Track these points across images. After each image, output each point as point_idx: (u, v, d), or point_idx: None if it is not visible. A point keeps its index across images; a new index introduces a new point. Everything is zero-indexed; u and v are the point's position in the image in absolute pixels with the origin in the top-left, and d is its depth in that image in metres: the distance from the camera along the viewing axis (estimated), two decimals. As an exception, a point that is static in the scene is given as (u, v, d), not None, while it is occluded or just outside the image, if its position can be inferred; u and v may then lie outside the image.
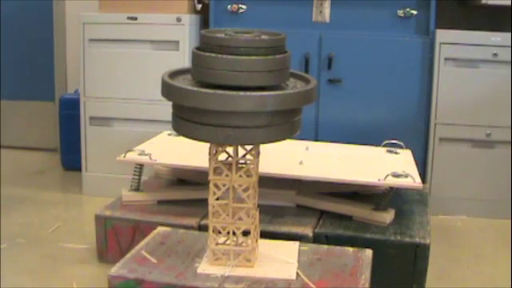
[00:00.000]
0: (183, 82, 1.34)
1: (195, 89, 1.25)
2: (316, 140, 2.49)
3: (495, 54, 2.42)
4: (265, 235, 1.61)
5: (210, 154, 1.38)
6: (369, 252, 1.58)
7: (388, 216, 1.85)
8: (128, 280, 1.39)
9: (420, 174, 1.92)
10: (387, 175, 1.83)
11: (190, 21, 2.53)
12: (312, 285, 1.37)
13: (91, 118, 2.65)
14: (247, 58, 1.26)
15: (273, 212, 1.91)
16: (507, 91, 2.44)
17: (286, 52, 1.34)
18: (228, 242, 1.43)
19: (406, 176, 1.84)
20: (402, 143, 2.21)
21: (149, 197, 2.01)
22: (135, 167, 2.02)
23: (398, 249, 1.74)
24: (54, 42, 3.28)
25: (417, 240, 1.74)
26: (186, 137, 1.33)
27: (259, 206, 1.45)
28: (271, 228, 1.80)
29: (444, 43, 2.45)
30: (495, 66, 2.44)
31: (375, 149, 2.23)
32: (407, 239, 1.75)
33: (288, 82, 1.38)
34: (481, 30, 2.45)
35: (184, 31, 2.52)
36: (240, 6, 2.58)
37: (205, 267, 1.43)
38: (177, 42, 2.53)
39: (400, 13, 2.51)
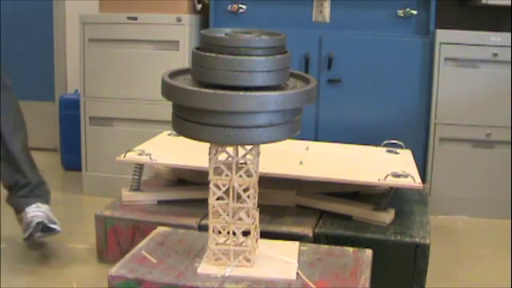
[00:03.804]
0: (183, 82, 1.34)
1: (195, 89, 1.25)
2: (316, 140, 2.48)
3: (495, 54, 2.42)
4: (265, 235, 1.61)
5: (210, 153, 1.38)
6: (369, 252, 1.58)
7: (388, 216, 1.85)
8: (128, 280, 1.39)
9: (420, 174, 1.92)
10: (387, 175, 1.83)
11: (190, 21, 2.53)
12: (312, 285, 1.37)
13: (91, 118, 2.65)
14: (247, 58, 1.26)
15: (273, 212, 1.91)
16: (507, 91, 2.44)
17: (285, 52, 1.34)
18: (228, 242, 1.43)
19: (406, 176, 1.84)
20: (402, 143, 2.21)
21: (149, 197, 2.01)
22: (135, 167, 2.02)
23: (398, 249, 1.74)
24: (54, 42, 3.28)
25: (417, 240, 1.74)
26: (186, 137, 1.33)
27: (259, 205, 1.45)
28: (271, 228, 1.80)
29: (444, 43, 2.45)
30: (495, 66, 2.44)
31: (375, 149, 2.23)
32: (407, 239, 1.75)
33: (288, 82, 1.38)
34: (481, 30, 2.45)
35: (184, 31, 2.52)
36: (240, 5, 2.58)
37: (205, 267, 1.43)
38: (177, 42, 2.53)
39: (400, 13, 2.51)
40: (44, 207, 1.94)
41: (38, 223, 1.81)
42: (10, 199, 2.01)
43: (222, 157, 1.38)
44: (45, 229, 1.82)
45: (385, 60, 2.50)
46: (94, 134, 2.66)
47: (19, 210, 1.97)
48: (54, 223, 1.88)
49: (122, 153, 2.01)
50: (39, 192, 1.98)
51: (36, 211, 1.92)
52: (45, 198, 2.00)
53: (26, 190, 1.97)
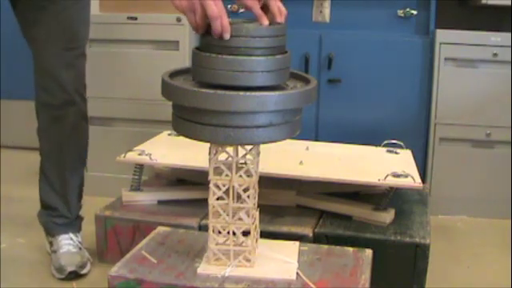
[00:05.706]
0: (183, 82, 1.34)
1: (195, 89, 1.25)
2: (316, 140, 2.49)
3: (495, 54, 2.42)
4: (265, 235, 1.61)
5: (210, 153, 1.38)
6: (369, 252, 1.58)
7: (388, 216, 1.85)
8: (128, 280, 1.39)
9: (420, 174, 1.92)
10: (387, 175, 1.83)
11: (190, 21, 2.52)
12: (312, 285, 1.37)
13: (91, 118, 2.64)
14: (247, 58, 1.26)
15: (273, 212, 1.91)
16: (507, 91, 2.44)
17: (286, 52, 1.34)
18: (228, 242, 1.43)
19: (406, 176, 1.84)
20: (402, 143, 2.21)
21: (149, 197, 2.01)
22: (135, 167, 2.02)
23: (398, 249, 1.74)
24: (54, 42, 3.28)
25: (417, 240, 1.74)
26: (186, 137, 1.33)
27: (259, 205, 1.45)
28: (271, 228, 1.80)
29: (444, 43, 2.45)
30: (495, 65, 2.44)
31: (375, 149, 2.23)
32: (407, 239, 1.75)
33: (288, 82, 1.38)
34: (481, 30, 2.45)
35: (184, 31, 2.52)
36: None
37: (205, 267, 1.43)
38: (177, 42, 2.53)
39: (400, 13, 2.51)
40: (76, 240, 1.95)
41: (71, 272, 1.84)
42: (43, 218, 1.99)
43: (222, 157, 1.38)
44: (76, 276, 1.86)
45: (385, 60, 2.50)
46: (94, 133, 2.65)
47: (50, 234, 1.97)
48: (85, 266, 1.89)
49: (122, 153, 2.01)
50: (75, 223, 1.98)
51: (68, 245, 1.91)
52: (78, 227, 2.00)
53: (63, 220, 1.95)
